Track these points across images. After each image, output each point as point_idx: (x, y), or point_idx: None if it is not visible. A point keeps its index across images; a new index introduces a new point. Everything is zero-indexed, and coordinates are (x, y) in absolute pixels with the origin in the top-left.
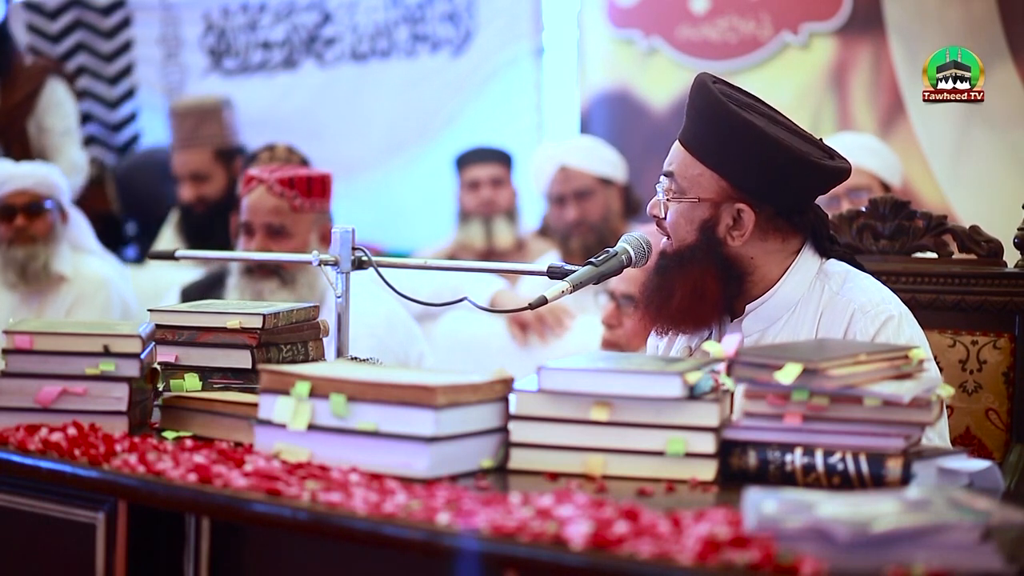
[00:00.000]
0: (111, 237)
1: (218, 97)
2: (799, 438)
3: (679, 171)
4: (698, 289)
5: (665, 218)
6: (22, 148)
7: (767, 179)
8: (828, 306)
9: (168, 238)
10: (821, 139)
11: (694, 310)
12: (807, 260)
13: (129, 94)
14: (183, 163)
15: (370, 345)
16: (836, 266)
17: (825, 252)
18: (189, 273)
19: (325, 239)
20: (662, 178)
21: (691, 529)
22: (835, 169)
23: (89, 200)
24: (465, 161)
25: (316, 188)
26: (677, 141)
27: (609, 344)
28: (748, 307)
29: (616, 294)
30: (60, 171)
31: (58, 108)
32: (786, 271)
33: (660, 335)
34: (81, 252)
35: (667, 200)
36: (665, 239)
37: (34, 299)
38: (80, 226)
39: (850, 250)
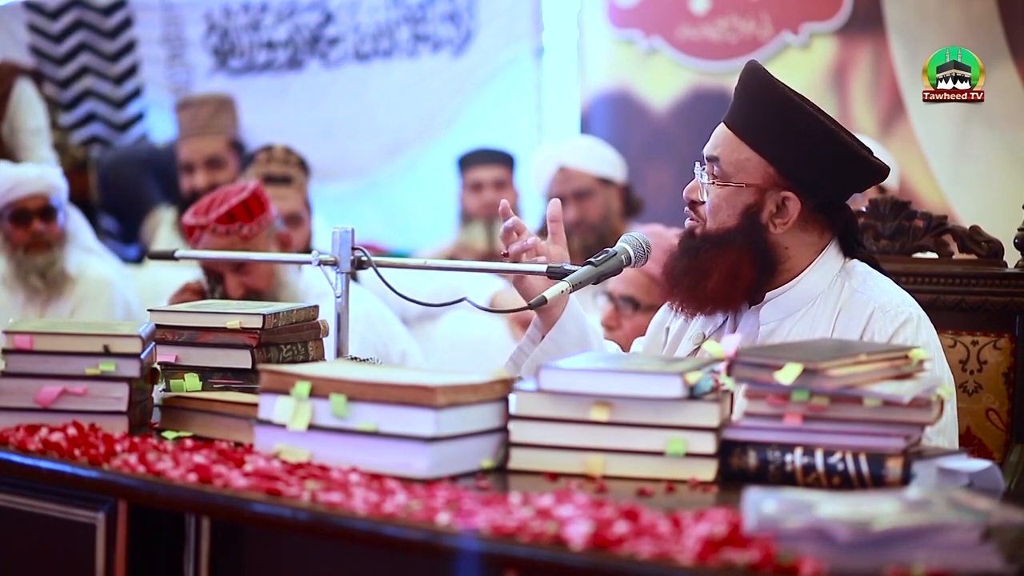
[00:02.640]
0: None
1: (227, 94)
2: (799, 438)
3: (724, 155)
4: (734, 272)
5: (703, 202)
6: None
7: (818, 169)
8: (847, 303)
9: (166, 236)
10: (856, 137)
11: (727, 293)
12: (832, 256)
13: (136, 94)
14: (197, 149)
15: (350, 340)
16: (859, 266)
17: (850, 252)
18: (189, 273)
19: (284, 244)
20: (702, 163)
21: (691, 529)
22: (880, 166)
23: (69, 186)
24: (467, 162)
25: (254, 207)
26: (722, 124)
27: None
28: (768, 295)
29: (615, 296)
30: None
31: (29, 108)
32: (811, 264)
33: (688, 317)
34: (85, 252)
35: (711, 184)
36: (691, 222)
37: (37, 300)
38: (80, 225)
39: None
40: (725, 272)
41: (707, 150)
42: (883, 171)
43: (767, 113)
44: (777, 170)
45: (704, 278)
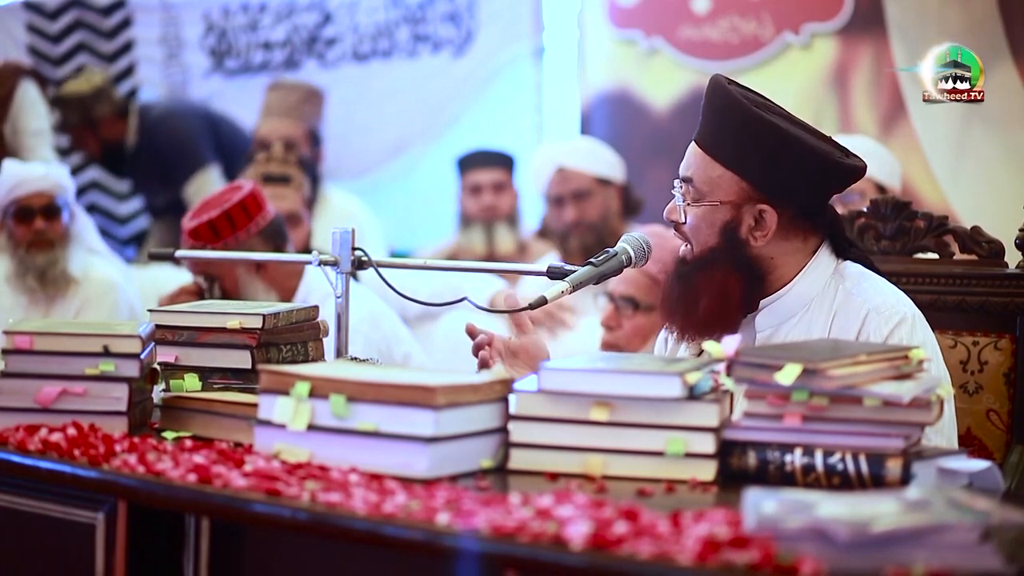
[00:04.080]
0: (111, 164)
1: (319, 86)
2: (799, 438)
3: (697, 175)
4: (723, 293)
5: (684, 223)
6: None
7: (789, 178)
8: (842, 306)
9: None
10: (831, 138)
11: (720, 314)
12: (824, 260)
13: (131, 94)
14: (275, 128)
15: (354, 341)
16: (852, 268)
17: (842, 253)
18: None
19: (258, 266)
20: (679, 183)
21: (691, 529)
22: (853, 167)
23: (103, 124)
24: (467, 164)
25: (223, 230)
26: (693, 143)
27: (608, 345)
28: (763, 303)
29: (615, 296)
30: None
31: (32, 109)
32: (802, 269)
33: (689, 343)
34: (90, 254)
35: (687, 205)
36: (684, 245)
37: (42, 301)
38: (87, 227)
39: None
40: (715, 293)
41: (681, 171)
42: (859, 170)
43: (732, 128)
44: (750, 184)
45: (695, 302)
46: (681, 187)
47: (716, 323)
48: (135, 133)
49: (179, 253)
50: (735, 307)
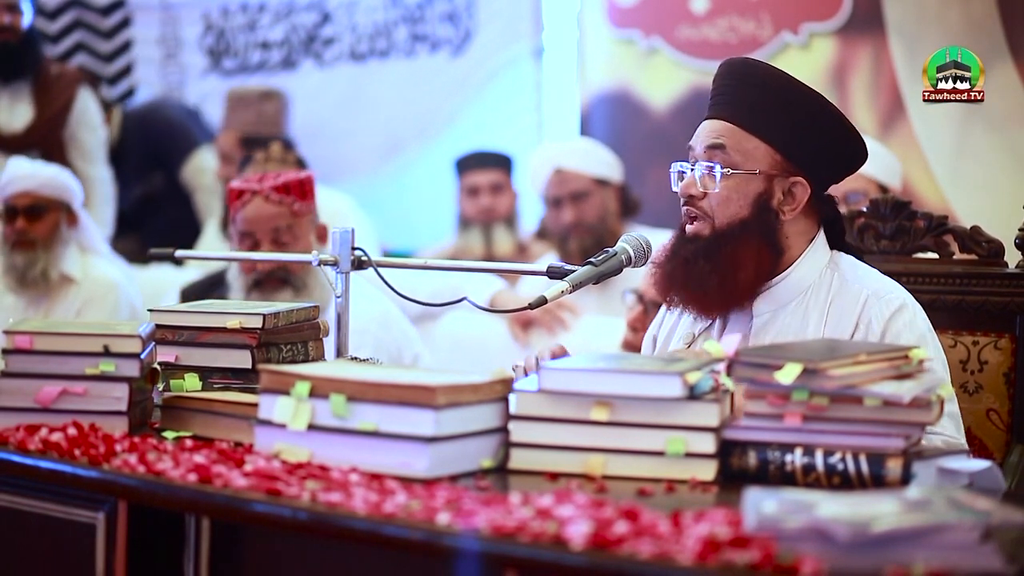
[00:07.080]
0: None
1: (272, 88)
2: (799, 438)
3: (732, 144)
4: (757, 264)
5: (703, 197)
6: (60, 157)
7: (824, 151)
8: (839, 293)
9: (212, 237)
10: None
11: (755, 282)
12: (820, 247)
13: (128, 94)
14: (218, 146)
15: (364, 343)
16: (845, 258)
17: (835, 243)
18: (192, 272)
19: (321, 238)
20: (703, 155)
21: (691, 529)
22: (864, 145)
23: None
24: (465, 166)
25: (308, 190)
26: (716, 120)
27: (630, 346)
28: (760, 288)
29: (645, 297)
30: (70, 173)
31: (91, 117)
32: (802, 254)
33: (716, 317)
34: (90, 254)
35: (723, 171)
36: (692, 223)
37: (43, 301)
38: (89, 228)
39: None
40: (754, 262)
41: (707, 140)
42: (866, 152)
43: (773, 100)
44: (784, 156)
45: (734, 272)
46: (704, 159)
47: (748, 292)
48: (118, 129)
49: (179, 253)
50: (765, 277)
